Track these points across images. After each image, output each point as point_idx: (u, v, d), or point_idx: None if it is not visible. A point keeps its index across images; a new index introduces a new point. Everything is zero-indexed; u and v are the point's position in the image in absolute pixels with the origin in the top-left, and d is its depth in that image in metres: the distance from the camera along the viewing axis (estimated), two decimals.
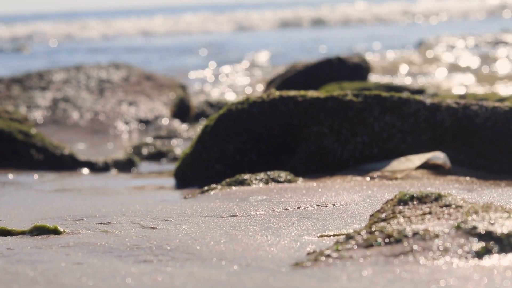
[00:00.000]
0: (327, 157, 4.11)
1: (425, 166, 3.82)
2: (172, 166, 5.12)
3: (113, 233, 2.43)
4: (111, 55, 19.50)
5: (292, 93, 4.23)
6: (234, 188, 3.55)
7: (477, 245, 1.83)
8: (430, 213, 2.07)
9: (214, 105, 8.64)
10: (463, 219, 1.96)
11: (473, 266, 1.74)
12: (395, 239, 1.92)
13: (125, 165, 5.50)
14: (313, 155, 4.13)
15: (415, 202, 2.15)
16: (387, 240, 1.93)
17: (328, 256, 1.91)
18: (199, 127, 6.78)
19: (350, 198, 3.08)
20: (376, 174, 3.81)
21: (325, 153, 4.12)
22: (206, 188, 3.60)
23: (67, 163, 5.32)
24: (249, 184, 3.62)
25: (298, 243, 2.24)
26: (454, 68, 13.40)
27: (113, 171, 5.38)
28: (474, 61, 13.98)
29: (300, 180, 3.80)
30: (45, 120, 7.53)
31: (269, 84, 8.06)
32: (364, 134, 4.11)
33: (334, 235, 2.34)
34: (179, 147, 6.10)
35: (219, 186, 3.59)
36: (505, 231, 1.85)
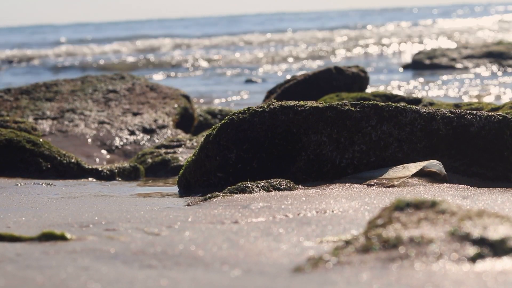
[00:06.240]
0: (326, 165, 4.17)
1: (421, 173, 3.87)
2: (176, 174, 5.15)
3: (119, 239, 2.46)
4: None
5: (292, 103, 4.29)
6: (236, 195, 3.60)
7: (471, 250, 1.87)
8: (425, 219, 2.08)
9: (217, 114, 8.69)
10: (458, 225, 1.99)
11: (467, 270, 1.78)
12: (391, 245, 1.95)
13: (130, 173, 5.54)
14: (312, 163, 4.18)
15: (411, 209, 2.16)
16: (384, 245, 1.96)
17: (327, 261, 1.94)
18: (202, 136, 6.82)
19: (349, 205, 3.11)
20: (373, 181, 3.85)
21: (324, 161, 4.17)
22: (208, 195, 3.65)
23: (74, 171, 5.36)
24: (250, 192, 3.66)
25: (298, 249, 2.27)
26: None
27: (119, 179, 5.42)
28: None
29: (300, 188, 3.85)
30: (52, 130, 7.57)
31: (270, 94, 8.09)
32: (362, 142, 4.17)
33: (333, 241, 2.38)
34: (183, 156, 6.14)
35: (221, 194, 3.63)
36: (498, 237, 1.89)
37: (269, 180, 3.82)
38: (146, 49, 31.14)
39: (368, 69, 12.46)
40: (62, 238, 2.46)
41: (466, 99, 11.44)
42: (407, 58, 19.68)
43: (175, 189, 4.60)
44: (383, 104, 4.23)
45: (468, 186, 3.74)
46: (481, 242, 1.89)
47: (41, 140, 5.54)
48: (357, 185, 3.80)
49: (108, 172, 5.42)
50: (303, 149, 4.20)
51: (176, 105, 8.39)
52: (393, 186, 3.74)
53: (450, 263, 1.83)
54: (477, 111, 4.18)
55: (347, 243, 2.04)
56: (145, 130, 7.76)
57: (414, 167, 3.88)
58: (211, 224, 2.78)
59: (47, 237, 2.46)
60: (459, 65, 16.72)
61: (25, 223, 2.92)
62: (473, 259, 1.84)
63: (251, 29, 47.81)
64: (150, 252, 2.22)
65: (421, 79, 15.03)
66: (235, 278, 1.90)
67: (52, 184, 4.73)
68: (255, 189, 3.69)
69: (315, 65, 20.41)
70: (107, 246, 2.32)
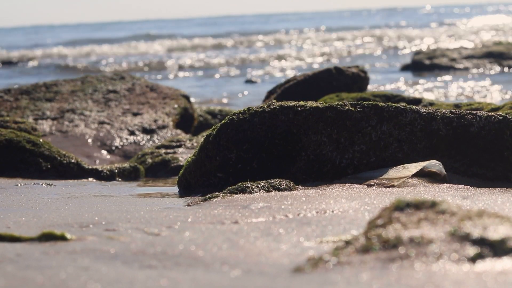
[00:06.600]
0: (326, 165, 4.17)
1: (421, 174, 3.88)
2: (176, 175, 5.16)
3: (119, 239, 2.47)
4: None
5: (292, 103, 4.30)
6: (236, 195, 3.61)
7: (471, 250, 1.87)
8: (425, 219, 2.09)
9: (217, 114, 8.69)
10: (458, 225, 1.99)
11: (467, 271, 1.78)
12: (391, 245, 1.96)
13: (130, 174, 5.55)
14: (312, 163, 4.19)
15: (411, 209, 2.17)
16: (384, 245, 1.97)
17: (327, 261, 1.95)
18: (202, 136, 6.82)
19: (349, 205, 3.12)
20: (373, 181, 3.86)
21: (324, 162, 4.18)
22: (208, 195, 3.65)
23: (74, 172, 5.37)
24: (250, 192, 3.67)
25: (298, 249, 2.28)
26: None
27: (119, 179, 5.43)
28: None
29: (300, 188, 3.86)
30: (52, 130, 7.58)
31: (270, 94, 8.11)
32: (362, 143, 4.17)
33: (333, 241, 2.39)
34: (183, 156, 6.14)
35: (221, 194, 3.64)
36: (498, 237, 1.89)
37: (269, 180, 3.83)
38: (146, 49, 31.17)
39: (368, 69, 12.47)
40: (62, 238, 2.47)
41: (466, 99, 11.45)
42: (407, 58, 19.69)
43: (175, 189, 4.61)
44: (383, 104, 4.24)
45: (468, 187, 3.74)
46: (481, 242, 1.90)
47: (41, 140, 5.55)
48: (357, 185, 3.81)
49: (108, 172, 5.43)
50: (303, 149, 4.20)
51: (176, 105, 8.40)
52: (393, 186, 3.75)
53: (450, 263, 1.83)
54: (477, 111, 4.18)
55: (347, 243, 2.05)
56: (145, 131, 7.77)
57: (414, 167, 3.89)
58: (211, 224, 2.79)
59: (47, 237, 2.47)
60: (459, 65, 16.73)
61: (25, 223, 2.93)
62: (473, 259, 1.85)
63: (250, 29, 47.87)
64: (150, 252, 2.23)
65: (421, 79, 15.05)
66: (235, 278, 1.90)
67: (52, 185, 4.74)
68: (255, 189, 3.70)
69: (315, 65, 20.43)
70: (107, 246, 2.33)
